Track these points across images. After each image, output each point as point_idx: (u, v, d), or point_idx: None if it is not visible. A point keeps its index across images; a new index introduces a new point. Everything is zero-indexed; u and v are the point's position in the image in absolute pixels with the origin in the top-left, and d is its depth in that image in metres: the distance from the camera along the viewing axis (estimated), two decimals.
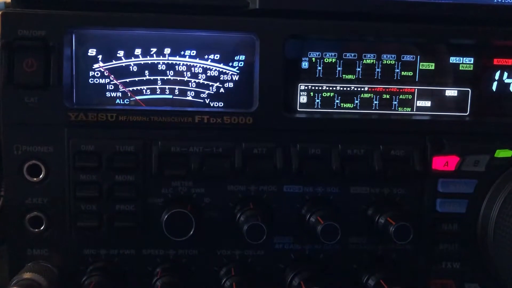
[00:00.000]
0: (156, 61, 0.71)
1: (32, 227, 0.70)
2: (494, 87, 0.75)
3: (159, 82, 0.72)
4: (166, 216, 0.66)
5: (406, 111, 0.74)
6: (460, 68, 0.74)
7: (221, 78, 0.72)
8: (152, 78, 0.71)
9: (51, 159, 0.69)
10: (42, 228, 0.70)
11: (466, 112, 0.75)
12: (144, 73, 0.71)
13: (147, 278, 0.70)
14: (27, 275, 0.67)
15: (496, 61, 0.75)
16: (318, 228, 0.66)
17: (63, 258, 0.71)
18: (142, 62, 0.71)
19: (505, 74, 0.75)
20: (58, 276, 0.70)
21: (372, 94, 0.74)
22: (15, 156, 0.68)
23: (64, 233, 0.70)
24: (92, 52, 0.70)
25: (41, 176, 0.69)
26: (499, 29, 0.72)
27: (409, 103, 0.74)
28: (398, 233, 0.66)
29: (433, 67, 0.74)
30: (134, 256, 0.71)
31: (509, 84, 0.75)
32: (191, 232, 0.66)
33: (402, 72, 0.73)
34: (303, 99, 0.73)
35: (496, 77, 0.75)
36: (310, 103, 0.73)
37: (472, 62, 0.74)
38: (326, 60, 0.73)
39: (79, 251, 0.71)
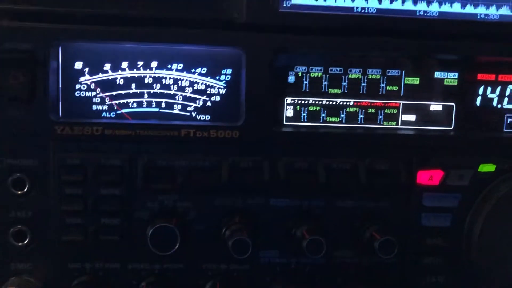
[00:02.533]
0: (143, 74, 0.71)
1: (16, 241, 0.69)
2: (478, 102, 0.76)
3: (145, 95, 0.72)
4: (151, 231, 0.66)
5: (391, 125, 0.75)
6: (445, 83, 0.75)
7: (208, 92, 0.72)
8: (138, 91, 0.71)
9: (36, 172, 0.68)
10: (26, 242, 0.69)
11: (451, 127, 0.76)
12: (131, 86, 0.71)
13: None
14: None
15: (480, 76, 0.76)
16: (303, 242, 0.66)
17: (47, 272, 0.70)
18: (128, 75, 0.71)
19: (489, 89, 0.76)
20: None
21: (357, 108, 0.74)
22: (0, 169, 0.68)
23: (49, 247, 0.69)
24: (78, 65, 0.70)
25: (25, 190, 0.69)
26: (483, 45, 0.73)
27: (394, 117, 0.75)
28: (383, 247, 0.67)
29: (418, 82, 0.75)
30: (119, 270, 0.71)
31: (492, 99, 0.76)
32: (176, 247, 0.66)
33: (387, 87, 0.74)
34: (289, 113, 0.74)
35: (480, 92, 0.76)
36: (297, 116, 0.74)
37: (456, 77, 0.75)
38: (312, 74, 0.73)
39: (63, 265, 0.70)
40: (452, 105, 0.75)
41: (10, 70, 0.66)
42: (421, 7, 0.71)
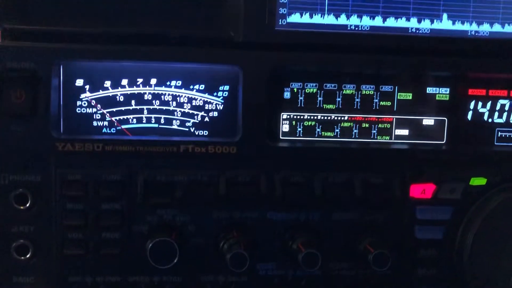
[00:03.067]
0: (142, 91, 0.73)
1: (18, 255, 0.71)
2: (469, 116, 0.78)
3: (145, 111, 0.73)
4: (150, 245, 0.67)
5: (385, 139, 0.77)
6: (437, 98, 0.77)
7: (206, 108, 0.74)
8: (138, 107, 0.73)
9: (38, 188, 0.70)
10: (28, 256, 0.71)
11: (443, 141, 0.77)
12: (131, 102, 0.73)
13: None
14: None
15: (471, 92, 0.77)
16: (299, 256, 0.68)
17: (48, 285, 0.71)
18: (128, 92, 0.73)
19: (480, 103, 0.78)
20: None
21: (352, 123, 0.76)
22: (2, 185, 0.69)
23: (50, 261, 0.71)
24: (79, 82, 0.72)
25: (28, 205, 0.70)
26: (474, 61, 0.75)
27: (387, 132, 0.77)
28: (376, 260, 0.68)
29: (410, 97, 0.77)
30: (120, 283, 0.72)
31: (483, 113, 0.78)
32: (175, 260, 0.67)
33: (381, 102, 0.76)
34: (285, 127, 0.76)
35: (471, 106, 0.78)
36: (292, 131, 0.76)
37: (448, 92, 0.77)
38: (308, 90, 0.75)
39: (64, 278, 0.71)
40: (444, 120, 0.77)
41: (12, 88, 0.67)
42: (413, 24, 0.73)
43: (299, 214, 0.74)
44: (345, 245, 0.74)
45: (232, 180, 0.71)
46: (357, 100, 0.76)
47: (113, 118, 0.73)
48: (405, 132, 0.77)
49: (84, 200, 0.70)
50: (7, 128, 0.68)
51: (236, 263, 0.66)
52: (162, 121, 0.74)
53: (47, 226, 0.70)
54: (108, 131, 0.73)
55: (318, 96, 0.75)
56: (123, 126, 0.73)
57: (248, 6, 0.69)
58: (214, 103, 0.74)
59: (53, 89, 0.69)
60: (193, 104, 0.74)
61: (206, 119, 0.74)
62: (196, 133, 0.74)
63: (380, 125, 0.76)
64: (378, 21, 0.72)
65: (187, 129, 0.74)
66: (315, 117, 0.76)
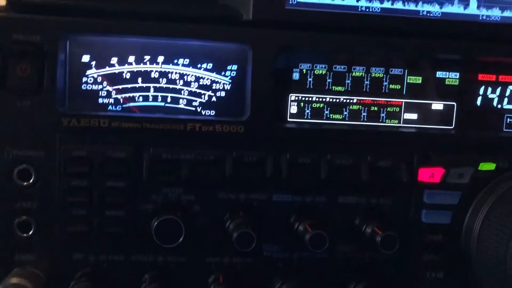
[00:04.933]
0: (149, 69, 0.72)
1: (21, 231, 0.70)
2: (478, 102, 0.77)
3: (151, 89, 0.72)
4: (156, 223, 0.66)
5: (394, 123, 0.76)
6: (446, 83, 0.76)
7: (213, 87, 0.73)
8: (145, 85, 0.72)
9: (42, 164, 0.69)
10: (30, 233, 0.70)
11: (452, 126, 0.77)
12: (137, 80, 0.72)
13: (136, 284, 0.70)
14: (14, 280, 0.67)
15: (480, 77, 0.77)
16: (306, 236, 0.67)
17: (51, 263, 0.70)
18: (135, 70, 0.72)
19: (489, 89, 0.77)
20: (45, 281, 0.69)
21: (360, 106, 0.75)
22: (6, 160, 0.68)
23: (53, 238, 0.70)
24: (86, 58, 0.71)
25: (31, 181, 0.69)
26: (484, 46, 0.74)
27: (396, 116, 0.76)
28: (384, 242, 0.68)
29: (420, 81, 0.76)
30: (123, 262, 0.71)
31: (492, 99, 0.78)
32: (181, 239, 0.66)
33: (390, 85, 0.75)
34: (293, 109, 0.75)
35: (481, 92, 0.77)
36: (300, 113, 0.75)
37: (457, 77, 0.76)
38: (317, 71, 0.74)
39: (67, 256, 0.71)
40: (453, 105, 0.77)
41: (18, 62, 0.66)
42: (425, 7, 0.72)
43: (305, 196, 0.73)
44: (351, 228, 0.73)
45: (239, 161, 0.70)
46: (367, 82, 0.75)
47: (121, 96, 0.72)
48: (414, 116, 0.76)
49: (89, 177, 0.69)
50: (12, 102, 0.67)
51: (243, 242, 0.65)
52: (169, 99, 0.73)
53: (51, 203, 0.69)
54: (113, 108, 0.72)
55: (327, 77, 0.74)
56: (131, 104, 0.72)
57: None
58: (221, 83, 0.73)
59: (59, 64, 0.68)
60: (200, 83, 0.73)
61: (214, 98, 0.73)
62: (203, 113, 0.73)
63: (389, 109, 0.76)
64: (388, 3, 0.72)
65: (193, 109, 0.73)
66: (324, 99, 0.75)
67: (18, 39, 0.66)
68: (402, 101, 0.76)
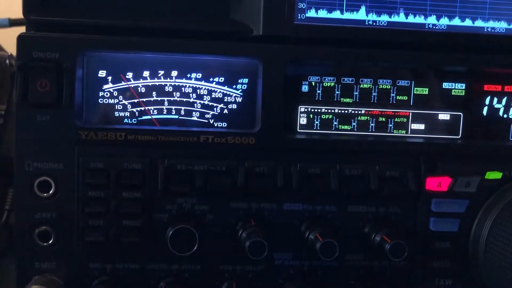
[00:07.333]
0: (163, 83, 0.75)
1: (41, 241, 0.72)
2: (484, 112, 0.79)
3: (166, 103, 0.75)
4: (171, 232, 0.68)
5: (401, 133, 0.78)
6: (452, 93, 0.78)
7: (225, 100, 0.76)
8: (159, 99, 0.75)
9: (61, 175, 0.71)
10: (50, 242, 0.72)
11: (458, 135, 0.78)
12: (152, 94, 0.75)
13: None
14: (34, 287, 0.69)
15: (486, 87, 0.79)
16: (317, 244, 0.69)
17: (69, 271, 0.73)
18: (150, 84, 0.74)
19: (495, 99, 0.79)
20: None
21: (368, 117, 0.77)
22: (27, 172, 0.71)
23: (72, 247, 0.72)
24: (102, 73, 0.73)
25: (51, 192, 0.72)
26: (489, 57, 0.76)
27: (404, 126, 0.78)
28: (393, 250, 0.69)
29: (426, 92, 0.78)
30: (139, 270, 0.74)
31: (498, 109, 0.79)
32: (195, 248, 0.68)
33: (397, 97, 0.77)
34: (303, 120, 0.77)
35: (487, 102, 0.79)
36: (310, 124, 0.77)
37: (463, 87, 0.78)
38: (325, 84, 0.76)
39: (85, 265, 0.73)
40: (460, 115, 0.78)
41: (38, 78, 0.69)
42: (430, 20, 0.74)
43: (315, 205, 0.75)
44: (360, 237, 0.75)
45: (250, 171, 0.73)
46: (374, 94, 0.77)
47: (135, 109, 0.74)
48: (421, 126, 0.78)
49: (106, 188, 0.71)
50: (32, 116, 0.70)
51: (255, 250, 0.67)
52: (182, 112, 0.75)
53: (69, 213, 0.72)
54: (129, 121, 0.74)
55: (336, 89, 0.76)
56: (144, 117, 0.74)
57: (268, 0, 0.71)
58: (233, 96, 0.76)
59: (77, 79, 0.71)
60: (213, 96, 0.75)
61: (225, 111, 0.76)
62: (215, 125, 0.76)
63: (396, 119, 0.77)
64: (395, 17, 0.74)
65: (206, 121, 0.75)
66: (333, 111, 0.77)
67: (38, 56, 0.69)
68: (410, 112, 0.78)
